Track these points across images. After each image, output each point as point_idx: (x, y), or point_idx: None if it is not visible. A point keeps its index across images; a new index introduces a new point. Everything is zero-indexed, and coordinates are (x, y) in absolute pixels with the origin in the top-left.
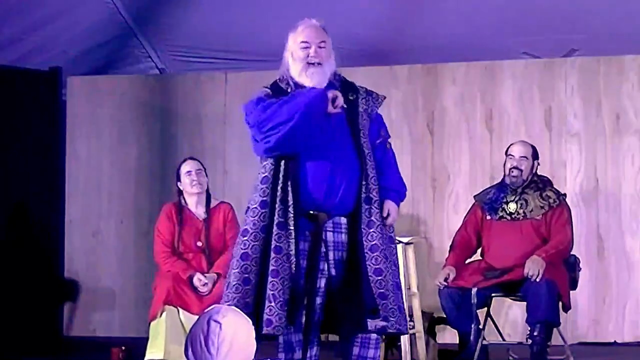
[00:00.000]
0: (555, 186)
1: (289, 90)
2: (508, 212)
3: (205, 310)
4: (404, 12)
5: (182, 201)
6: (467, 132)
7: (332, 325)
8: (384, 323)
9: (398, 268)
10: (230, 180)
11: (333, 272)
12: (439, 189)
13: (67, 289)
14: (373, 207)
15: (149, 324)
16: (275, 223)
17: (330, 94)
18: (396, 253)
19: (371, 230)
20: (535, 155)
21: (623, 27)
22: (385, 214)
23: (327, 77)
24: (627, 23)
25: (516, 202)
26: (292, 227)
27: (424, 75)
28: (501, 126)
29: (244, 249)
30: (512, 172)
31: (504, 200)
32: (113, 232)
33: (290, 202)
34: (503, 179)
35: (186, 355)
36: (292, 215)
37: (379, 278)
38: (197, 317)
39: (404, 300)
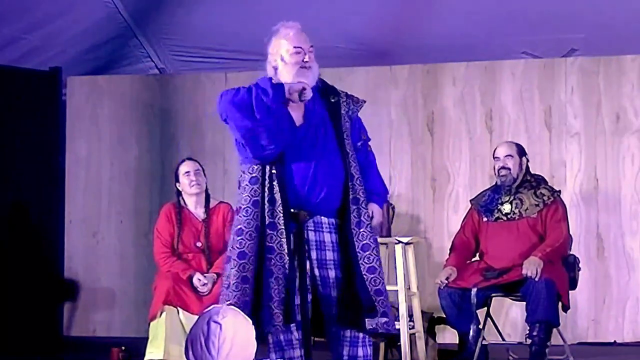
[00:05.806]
0: (555, 186)
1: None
2: (504, 212)
3: (205, 311)
4: (404, 12)
5: (181, 202)
6: (467, 132)
7: (315, 325)
8: (384, 319)
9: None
10: (230, 180)
11: (317, 272)
12: (439, 189)
13: (67, 289)
14: (361, 207)
15: (149, 324)
16: (265, 224)
17: (297, 86)
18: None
19: (361, 230)
20: (521, 152)
21: (623, 27)
22: (369, 216)
23: (316, 79)
24: (627, 23)
25: (511, 203)
26: (282, 227)
27: (424, 75)
28: (501, 126)
29: (241, 248)
30: (501, 172)
31: (499, 201)
32: (113, 232)
33: (279, 202)
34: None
35: (187, 356)
36: (280, 215)
37: (373, 276)
38: (196, 317)
39: (404, 300)
